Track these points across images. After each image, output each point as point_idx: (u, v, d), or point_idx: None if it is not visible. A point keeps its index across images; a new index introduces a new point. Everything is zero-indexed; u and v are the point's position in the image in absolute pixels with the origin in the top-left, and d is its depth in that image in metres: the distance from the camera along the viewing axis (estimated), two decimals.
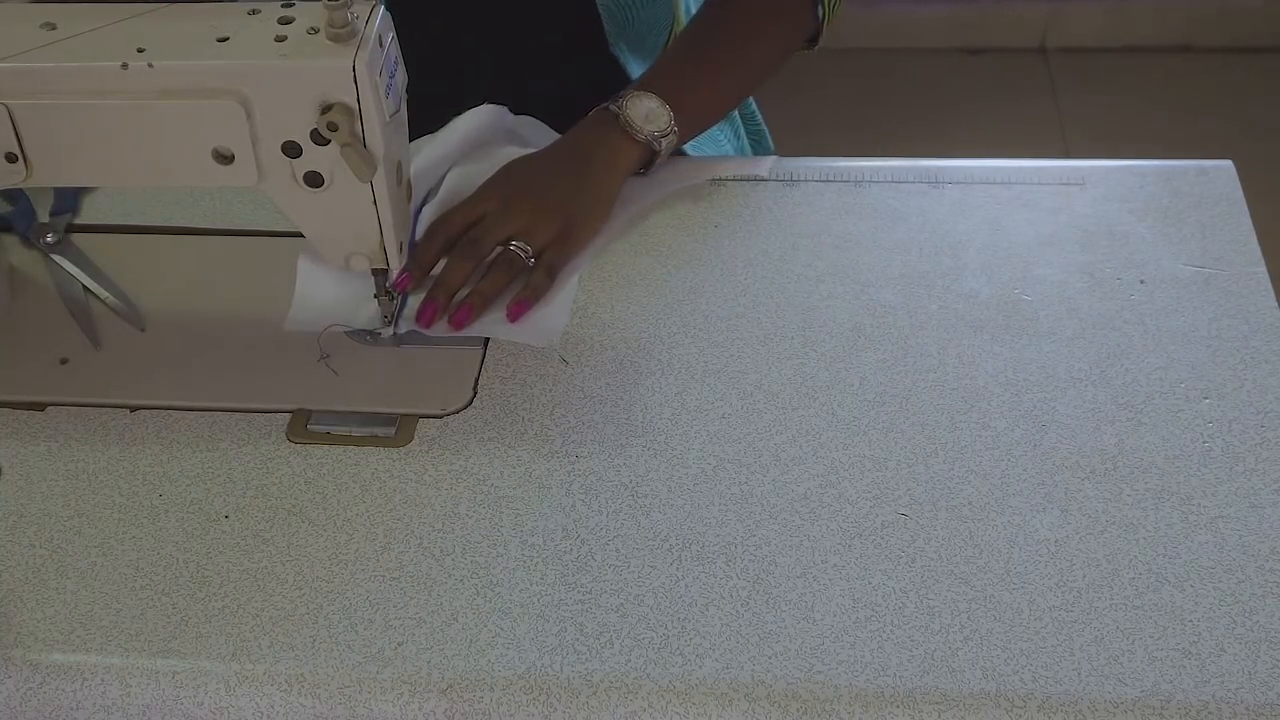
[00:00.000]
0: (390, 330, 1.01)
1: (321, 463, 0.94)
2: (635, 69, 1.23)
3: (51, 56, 0.88)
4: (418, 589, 0.87)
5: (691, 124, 1.12)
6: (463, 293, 1.04)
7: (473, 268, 1.04)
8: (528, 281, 1.04)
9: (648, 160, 1.10)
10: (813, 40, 1.19)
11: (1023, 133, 2.50)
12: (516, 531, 0.89)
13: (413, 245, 1.05)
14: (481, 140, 1.14)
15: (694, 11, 1.29)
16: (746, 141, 1.37)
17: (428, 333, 1.02)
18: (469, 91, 1.16)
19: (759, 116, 1.40)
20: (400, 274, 1.02)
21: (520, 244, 1.04)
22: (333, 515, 0.91)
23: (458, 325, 1.02)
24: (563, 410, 0.97)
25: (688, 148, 1.20)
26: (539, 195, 1.06)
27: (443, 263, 1.05)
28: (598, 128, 1.10)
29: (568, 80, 1.20)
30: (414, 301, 1.04)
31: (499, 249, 1.05)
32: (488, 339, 1.02)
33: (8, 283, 1.08)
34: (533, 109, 1.18)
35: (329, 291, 1.05)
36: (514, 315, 1.03)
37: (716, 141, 1.28)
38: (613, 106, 1.09)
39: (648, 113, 1.09)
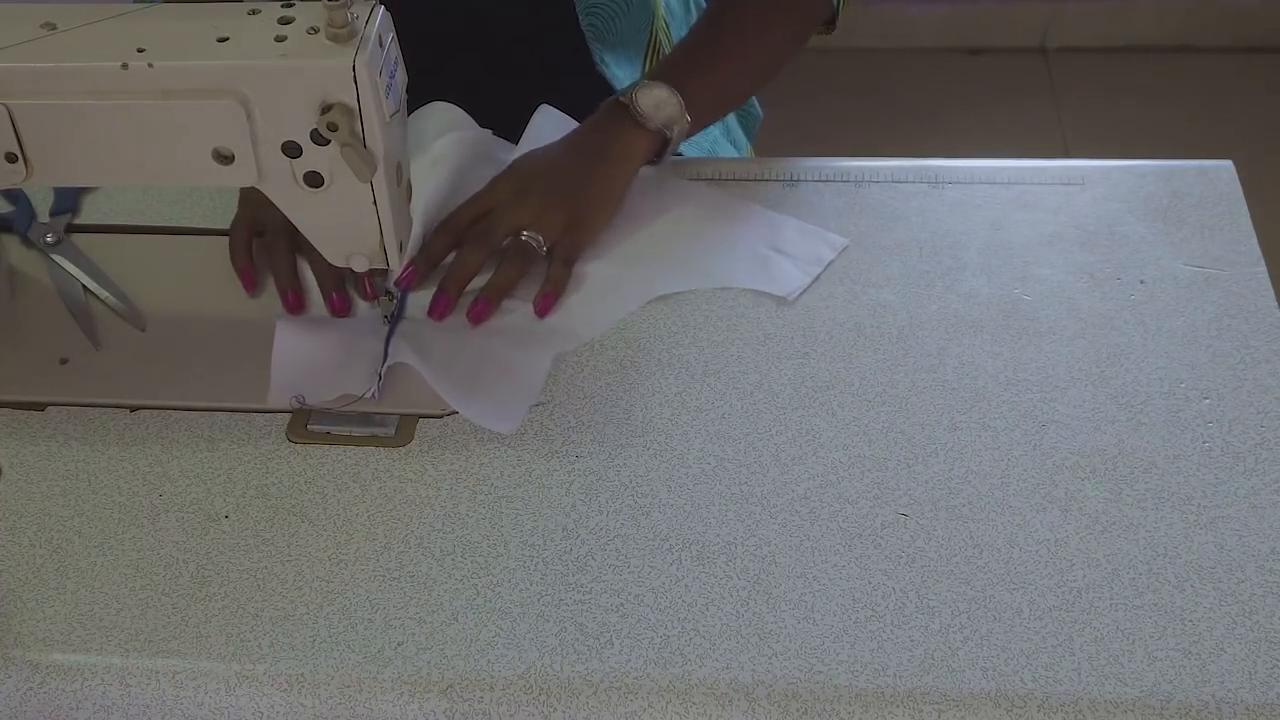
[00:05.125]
0: (374, 390, 0.97)
1: (321, 463, 0.94)
2: (622, 77, 1.22)
3: (51, 56, 0.88)
4: (417, 589, 0.86)
5: (703, 112, 1.11)
6: (475, 285, 1.03)
7: (484, 258, 1.03)
8: (547, 275, 1.04)
9: (659, 149, 1.10)
10: (830, 23, 1.18)
11: (1023, 133, 2.50)
12: (516, 531, 0.89)
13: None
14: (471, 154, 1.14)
15: (674, 8, 1.29)
16: (732, 116, 1.35)
17: (414, 365, 0.98)
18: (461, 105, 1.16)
19: None
20: (405, 268, 1.01)
21: (532, 234, 1.04)
22: (332, 515, 0.91)
23: (476, 320, 1.02)
24: (563, 410, 0.97)
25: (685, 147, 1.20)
26: (549, 187, 1.06)
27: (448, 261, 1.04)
28: (609, 119, 1.09)
29: (554, 95, 1.18)
30: (411, 313, 1.04)
31: (509, 240, 1.04)
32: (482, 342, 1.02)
33: (8, 283, 1.08)
34: (519, 120, 1.16)
35: (307, 361, 1.00)
36: (543, 310, 1.03)
37: None
38: (623, 97, 1.09)
39: (658, 101, 1.08)
